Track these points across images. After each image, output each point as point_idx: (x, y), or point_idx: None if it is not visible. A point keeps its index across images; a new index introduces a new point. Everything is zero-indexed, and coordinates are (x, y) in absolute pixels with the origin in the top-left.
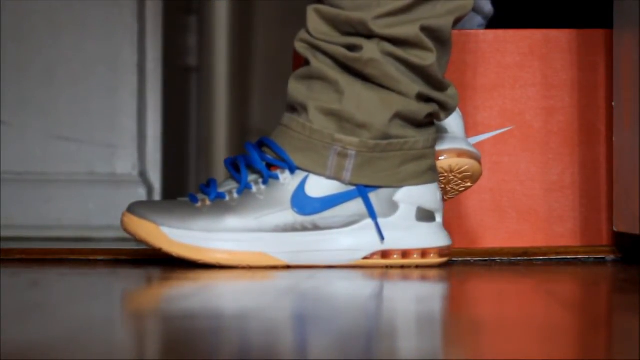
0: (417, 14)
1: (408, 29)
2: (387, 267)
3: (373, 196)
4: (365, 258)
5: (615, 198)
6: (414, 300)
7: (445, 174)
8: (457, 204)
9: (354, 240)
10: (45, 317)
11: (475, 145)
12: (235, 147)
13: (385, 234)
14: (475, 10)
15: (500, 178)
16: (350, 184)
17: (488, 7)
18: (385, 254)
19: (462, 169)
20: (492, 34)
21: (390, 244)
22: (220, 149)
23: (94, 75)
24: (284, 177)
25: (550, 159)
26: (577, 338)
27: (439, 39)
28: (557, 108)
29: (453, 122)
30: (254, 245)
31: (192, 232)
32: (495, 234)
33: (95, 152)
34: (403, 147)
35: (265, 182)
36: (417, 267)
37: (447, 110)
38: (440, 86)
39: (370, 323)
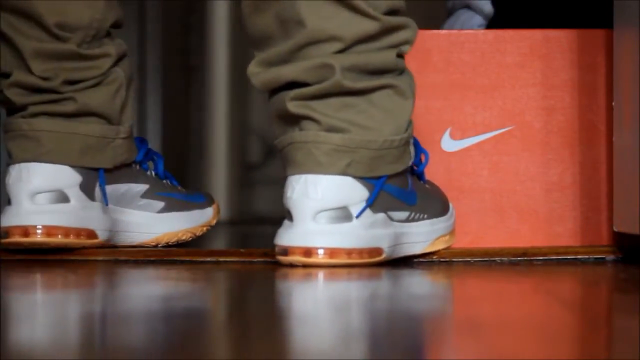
0: None
1: None
2: None
3: None
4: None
5: (615, 198)
6: (414, 299)
7: None
8: (457, 204)
9: None
10: (45, 317)
11: (476, 145)
12: (236, 147)
13: None
14: (475, 10)
15: (500, 178)
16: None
17: (488, 7)
18: None
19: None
20: (492, 34)
21: None
22: (220, 149)
23: None
24: None
25: (550, 159)
26: (577, 338)
27: None
28: (557, 108)
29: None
30: None
31: None
32: (495, 234)
33: None
34: None
35: None
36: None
37: None
38: None
39: (368, 323)
